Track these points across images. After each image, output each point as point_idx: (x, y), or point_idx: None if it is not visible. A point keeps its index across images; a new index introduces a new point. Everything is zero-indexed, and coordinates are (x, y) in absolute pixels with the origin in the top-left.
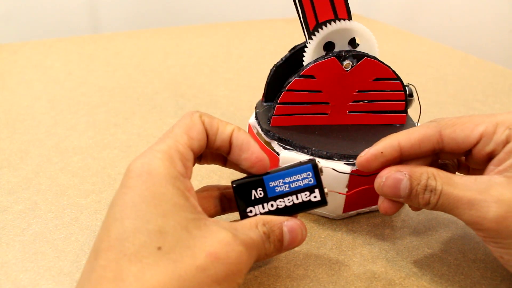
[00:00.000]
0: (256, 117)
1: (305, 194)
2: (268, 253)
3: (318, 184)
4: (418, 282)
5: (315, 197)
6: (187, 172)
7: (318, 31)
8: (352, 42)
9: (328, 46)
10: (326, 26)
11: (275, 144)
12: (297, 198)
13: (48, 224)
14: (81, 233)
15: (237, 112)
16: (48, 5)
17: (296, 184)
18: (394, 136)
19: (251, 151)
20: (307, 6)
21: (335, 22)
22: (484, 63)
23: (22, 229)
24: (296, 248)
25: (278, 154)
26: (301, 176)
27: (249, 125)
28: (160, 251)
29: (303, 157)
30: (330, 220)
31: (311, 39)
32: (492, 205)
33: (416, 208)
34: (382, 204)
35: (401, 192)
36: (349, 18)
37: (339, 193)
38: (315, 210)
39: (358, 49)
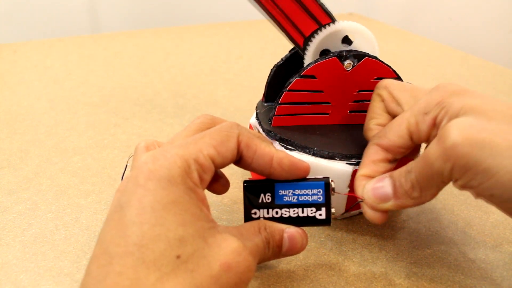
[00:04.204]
0: (257, 118)
1: (311, 210)
2: (266, 258)
3: (327, 203)
4: (418, 282)
5: (320, 215)
6: (201, 183)
7: (308, 45)
8: (346, 40)
9: (325, 53)
10: (314, 37)
11: (276, 144)
12: (303, 212)
13: (48, 225)
14: (81, 234)
15: (237, 112)
16: (48, 5)
17: (305, 198)
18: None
19: (298, 169)
20: (289, 27)
21: (321, 30)
22: (484, 63)
23: (22, 229)
24: None
25: None
26: (311, 191)
27: (250, 125)
28: (179, 259)
29: (305, 157)
30: None
31: (305, 54)
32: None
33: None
34: (368, 212)
35: (385, 188)
36: (333, 21)
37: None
38: None
39: (353, 44)
